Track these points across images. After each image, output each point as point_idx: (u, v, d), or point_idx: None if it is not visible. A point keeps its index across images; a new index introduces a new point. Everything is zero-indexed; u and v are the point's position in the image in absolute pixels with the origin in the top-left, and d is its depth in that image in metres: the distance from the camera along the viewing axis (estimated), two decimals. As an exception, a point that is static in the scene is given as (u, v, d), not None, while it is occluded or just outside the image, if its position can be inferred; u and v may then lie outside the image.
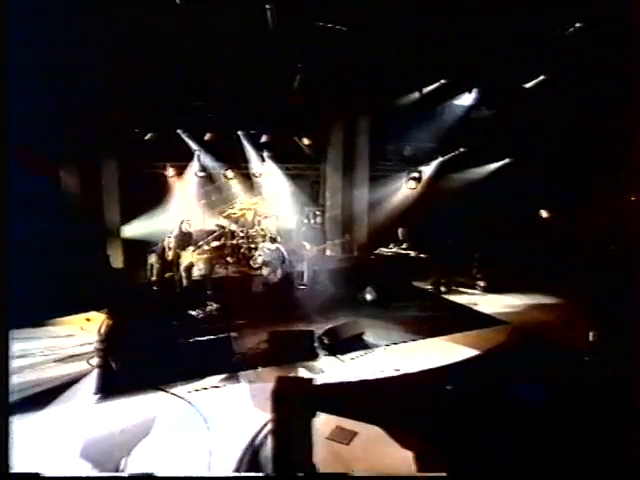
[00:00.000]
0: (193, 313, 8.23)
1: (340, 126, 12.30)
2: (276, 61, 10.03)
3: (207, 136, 11.72)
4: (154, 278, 7.90)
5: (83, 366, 6.22)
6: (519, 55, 9.77)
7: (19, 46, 7.25)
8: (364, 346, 6.82)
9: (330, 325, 7.00)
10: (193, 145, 11.61)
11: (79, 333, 7.58)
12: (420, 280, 10.57)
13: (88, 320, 8.16)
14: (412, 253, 9.77)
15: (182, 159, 11.73)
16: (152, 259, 8.51)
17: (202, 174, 12.14)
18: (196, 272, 9.75)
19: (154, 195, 11.36)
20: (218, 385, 5.60)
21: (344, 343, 6.70)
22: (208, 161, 12.09)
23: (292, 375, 4.63)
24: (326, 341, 6.69)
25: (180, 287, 8.36)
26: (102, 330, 7.70)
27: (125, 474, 3.77)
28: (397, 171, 13.08)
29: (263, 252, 8.40)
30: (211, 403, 5.11)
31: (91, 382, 5.70)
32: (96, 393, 5.45)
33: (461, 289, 10.29)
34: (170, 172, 11.82)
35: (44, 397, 5.22)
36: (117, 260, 11.02)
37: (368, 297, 9.20)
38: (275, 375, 5.73)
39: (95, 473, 3.86)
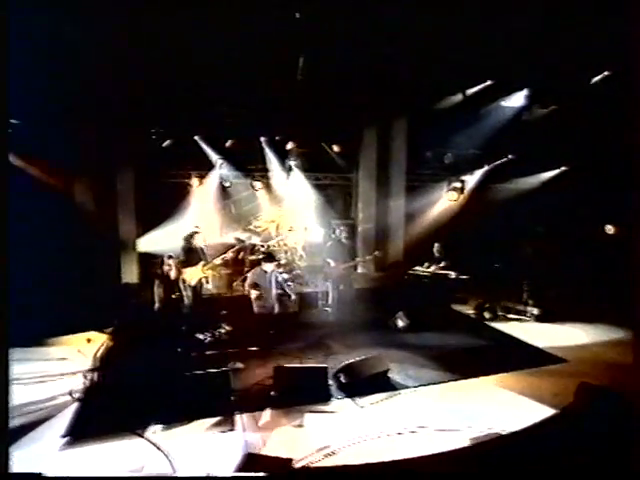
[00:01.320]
0: (200, 337, 7.51)
1: (374, 131, 11.38)
2: (302, 61, 9.26)
3: (228, 143, 11.04)
4: (157, 304, 7.23)
5: (63, 399, 5.49)
6: (579, 48, 8.53)
7: (30, 48, 6.99)
8: (389, 387, 5.79)
9: (352, 359, 5.99)
10: (212, 153, 10.95)
11: (74, 357, 6.98)
12: (460, 304, 9.50)
13: (89, 341, 7.67)
14: (452, 273, 8.69)
15: (201, 168, 11.08)
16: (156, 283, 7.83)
17: (227, 184, 11.45)
18: (209, 289, 9.09)
19: (171, 206, 10.71)
20: (208, 432, 4.71)
21: (365, 383, 5.70)
22: (230, 170, 11.38)
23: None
24: (343, 379, 5.71)
25: (186, 307, 7.64)
26: (99, 354, 7.10)
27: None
28: (437, 181, 11.99)
29: (253, 273, 7.54)
30: (192, 458, 4.21)
31: (64, 422, 4.93)
32: (65, 436, 4.67)
33: (509, 316, 9.02)
34: (189, 181, 11.16)
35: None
36: (131, 275, 10.47)
37: (399, 323, 8.18)
38: (275, 420, 4.88)
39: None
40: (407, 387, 5.77)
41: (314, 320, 8.57)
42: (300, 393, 5.35)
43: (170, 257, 7.95)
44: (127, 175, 10.33)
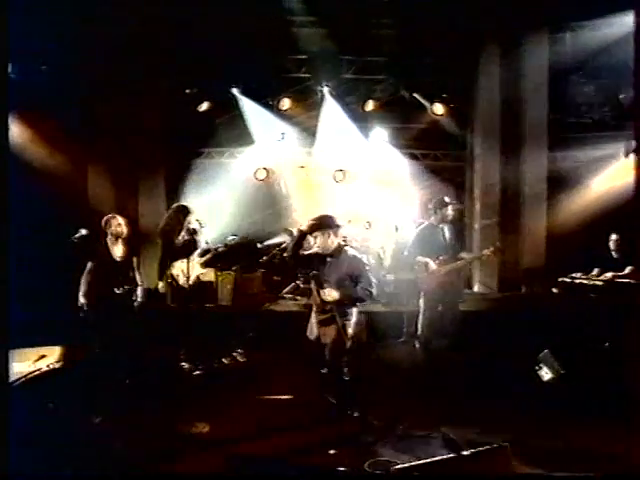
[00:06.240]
0: (186, 367, 5.31)
1: (494, 69, 8.10)
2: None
3: (285, 104, 8.63)
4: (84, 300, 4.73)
5: None
6: None
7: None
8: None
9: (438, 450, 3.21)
10: (269, 115, 8.70)
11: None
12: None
13: (41, 358, 5.61)
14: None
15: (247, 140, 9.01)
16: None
17: (302, 170, 9.47)
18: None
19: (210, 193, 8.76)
20: None
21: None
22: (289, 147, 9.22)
23: None
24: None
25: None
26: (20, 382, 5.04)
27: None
28: (604, 137, 8.31)
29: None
30: None
31: None
32: None
33: None
34: (233, 159, 9.23)
35: None
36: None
37: (545, 374, 4.97)
38: None
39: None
40: None
41: (386, 359, 5.71)
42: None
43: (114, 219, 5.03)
44: (153, 152, 8.53)
